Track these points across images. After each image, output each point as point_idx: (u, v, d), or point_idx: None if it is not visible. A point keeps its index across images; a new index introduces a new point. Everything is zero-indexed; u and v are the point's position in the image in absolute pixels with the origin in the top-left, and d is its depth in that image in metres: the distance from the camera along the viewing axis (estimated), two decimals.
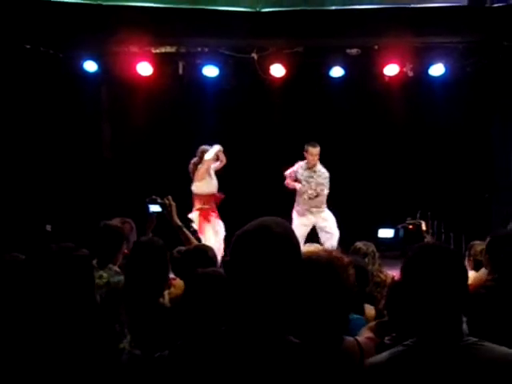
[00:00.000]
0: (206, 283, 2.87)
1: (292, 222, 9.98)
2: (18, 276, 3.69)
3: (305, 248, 4.82)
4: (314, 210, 10.27)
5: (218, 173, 9.89)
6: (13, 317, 2.79)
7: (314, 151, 10.10)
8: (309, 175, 10.25)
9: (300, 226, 10.03)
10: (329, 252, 2.79)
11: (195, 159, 9.67)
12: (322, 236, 10.21)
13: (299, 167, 10.33)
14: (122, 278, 4.44)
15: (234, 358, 1.89)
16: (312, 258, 2.66)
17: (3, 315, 2.96)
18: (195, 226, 9.09)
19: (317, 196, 10.19)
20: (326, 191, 10.23)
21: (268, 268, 1.91)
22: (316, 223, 10.31)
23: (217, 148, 9.62)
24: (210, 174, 9.67)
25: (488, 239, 4.61)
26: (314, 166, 10.22)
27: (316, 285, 2.59)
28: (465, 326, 2.42)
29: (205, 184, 9.60)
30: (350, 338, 2.72)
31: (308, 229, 10.30)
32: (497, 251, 4.37)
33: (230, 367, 1.88)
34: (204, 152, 9.59)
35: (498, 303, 2.98)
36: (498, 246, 4.41)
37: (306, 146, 10.19)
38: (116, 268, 4.82)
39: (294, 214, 10.35)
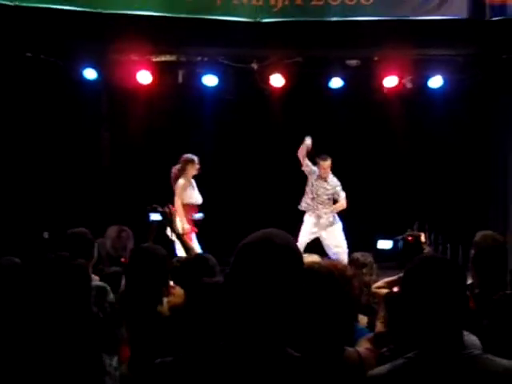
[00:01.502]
0: (210, 293, 2.86)
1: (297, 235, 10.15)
2: (15, 279, 3.70)
3: (304, 258, 4.83)
4: (324, 216, 10.49)
5: (218, 183, 9.89)
6: (8, 319, 2.79)
7: (325, 164, 10.37)
8: (320, 185, 10.50)
9: (309, 224, 10.38)
10: (331, 263, 2.78)
11: (178, 166, 9.63)
12: (329, 251, 10.31)
13: (314, 173, 10.54)
14: (98, 283, 4.52)
15: (233, 371, 1.87)
16: (313, 268, 2.65)
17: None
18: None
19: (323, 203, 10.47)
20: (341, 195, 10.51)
21: (270, 280, 1.89)
22: (323, 237, 10.49)
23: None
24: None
25: (473, 252, 4.57)
26: (326, 178, 10.48)
27: (317, 295, 2.58)
28: (475, 338, 2.39)
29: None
30: (351, 349, 2.72)
31: (314, 231, 10.48)
32: (482, 263, 4.34)
33: (229, 381, 1.87)
34: (187, 160, 9.54)
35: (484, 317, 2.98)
36: (483, 258, 4.37)
37: (316, 160, 10.44)
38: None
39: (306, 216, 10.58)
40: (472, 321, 2.84)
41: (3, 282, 4.05)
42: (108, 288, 4.68)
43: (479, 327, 3.10)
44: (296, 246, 2.02)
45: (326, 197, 10.49)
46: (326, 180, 10.47)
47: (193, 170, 9.55)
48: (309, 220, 10.53)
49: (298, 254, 1.99)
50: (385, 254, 10.53)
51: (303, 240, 10.16)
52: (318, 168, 10.43)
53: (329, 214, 10.49)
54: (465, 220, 11.49)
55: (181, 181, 9.49)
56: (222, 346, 1.95)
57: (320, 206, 10.47)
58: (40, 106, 10.87)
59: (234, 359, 1.89)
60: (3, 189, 10.19)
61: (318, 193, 10.47)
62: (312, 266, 2.69)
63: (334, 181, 10.53)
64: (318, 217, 10.49)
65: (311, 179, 10.55)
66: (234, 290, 1.95)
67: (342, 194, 10.51)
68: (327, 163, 10.35)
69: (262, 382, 1.86)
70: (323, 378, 1.93)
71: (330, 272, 2.66)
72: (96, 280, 4.78)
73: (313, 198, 10.52)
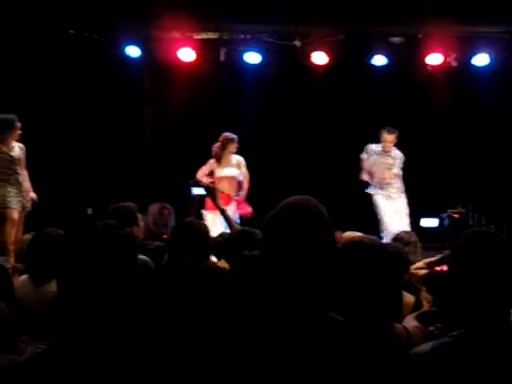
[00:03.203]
0: (250, 265, 2.86)
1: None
2: (59, 248, 3.72)
3: (348, 234, 4.81)
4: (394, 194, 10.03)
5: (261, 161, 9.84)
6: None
7: (389, 138, 9.79)
8: (383, 160, 9.96)
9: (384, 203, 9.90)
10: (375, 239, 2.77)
11: (218, 144, 9.64)
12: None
13: (371, 152, 10.00)
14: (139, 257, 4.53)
15: (280, 335, 1.90)
16: (364, 242, 2.64)
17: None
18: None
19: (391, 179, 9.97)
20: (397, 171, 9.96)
21: (304, 245, 1.92)
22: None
23: None
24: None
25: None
26: (389, 151, 9.90)
27: (366, 269, 2.57)
28: None
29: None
30: (400, 326, 2.70)
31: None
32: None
33: (277, 345, 1.90)
34: (228, 139, 9.55)
35: None
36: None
37: (381, 131, 9.89)
38: None
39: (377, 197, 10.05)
40: None
41: (48, 251, 4.12)
42: (150, 262, 4.71)
43: None
44: (325, 210, 2.03)
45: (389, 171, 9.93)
46: (389, 155, 9.91)
47: (232, 148, 9.58)
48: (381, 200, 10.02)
49: (329, 221, 2.00)
50: (428, 233, 10.46)
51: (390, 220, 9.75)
52: (382, 141, 9.86)
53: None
54: (508, 201, 11.33)
55: (236, 156, 9.59)
56: (269, 312, 1.98)
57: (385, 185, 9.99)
58: (83, 83, 10.94)
59: (279, 324, 1.92)
60: (48, 166, 10.30)
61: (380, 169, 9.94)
62: (363, 240, 2.67)
63: (396, 153, 9.96)
64: (388, 196, 10.02)
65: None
66: (269, 257, 1.98)
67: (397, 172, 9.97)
68: (391, 136, 9.75)
69: (305, 343, 1.88)
70: (370, 343, 1.94)
71: (380, 246, 2.65)
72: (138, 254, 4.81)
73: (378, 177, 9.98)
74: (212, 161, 9.60)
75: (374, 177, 10.01)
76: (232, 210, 9.41)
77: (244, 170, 9.75)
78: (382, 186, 9.98)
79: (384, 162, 9.93)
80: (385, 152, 9.89)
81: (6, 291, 3.79)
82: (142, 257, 4.71)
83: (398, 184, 10.00)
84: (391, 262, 2.66)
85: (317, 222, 1.97)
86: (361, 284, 2.56)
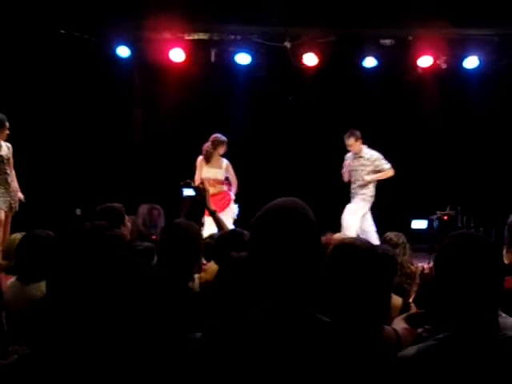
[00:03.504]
0: (238, 267, 2.85)
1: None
2: (48, 250, 3.70)
3: (338, 236, 4.81)
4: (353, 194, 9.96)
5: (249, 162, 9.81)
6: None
7: (346, 142, 9.77)
8: (356, 163, 9.90)
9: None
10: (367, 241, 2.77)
11: (207, 145, 9.60)
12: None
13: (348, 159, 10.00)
14: None
15: (267, 337, 1.90)
16: (354, 244, 2.63)
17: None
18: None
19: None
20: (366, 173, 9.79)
21: (290, 247, 1.92)
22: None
23: None
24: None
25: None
26: (358, 152, 9.83)
27: (356, 270, 2.56)
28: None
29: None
30: (389, 328, 2.69)
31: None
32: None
33: (263, 346, 1.89)
34: (218, 140, 9.52)
35: None
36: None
37: None
38: None
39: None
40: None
41: (37, 252, 4.09)
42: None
43: None
44: (311, 212, 2.03)
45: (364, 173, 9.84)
46: (360, 156, 9.83)
47: (222, 150, 9.55)
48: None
49: (315, 222, 2.01)
50: (418, 235, 10.48)
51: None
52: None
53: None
54: (498, 203, 11.36)
55: (225, 160, 9.54)
56: (256, 312, 1.98)
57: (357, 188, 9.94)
58: (73, 82, 10.92)
59: (264, 325, 1.92)
60: (36, 166, 10.27)
61: (356, 173, 9.89)
62: (353, 242, 2.66)
63: (367, 154, 9.86)
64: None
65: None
66: (256, 259, 1.99)
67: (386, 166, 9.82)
68: (346, 140, 9.72)
69: (292, 344, 1.88)
70: (352, 343, 1.94)
71: (371, 248, 2.64)
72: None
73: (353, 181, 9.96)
74: (200, 159, 9.56)
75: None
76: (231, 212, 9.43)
77: (232, 173, 9.73)
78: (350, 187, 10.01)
79: (355, 165, 9.90)
80: (355, 154, 9.88)
81: None
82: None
83: (355, 185, 9.92)
84: (381, 263, 2.66)
85: (303, 223, 1.97)
86: (350, 285, 2.55)
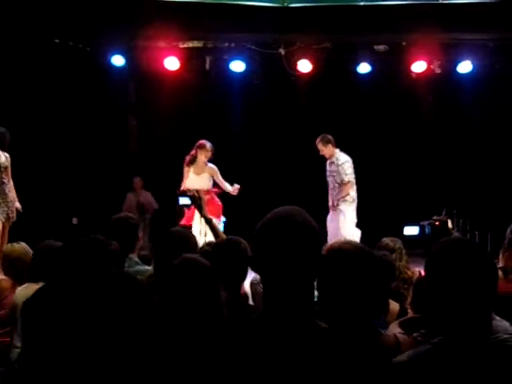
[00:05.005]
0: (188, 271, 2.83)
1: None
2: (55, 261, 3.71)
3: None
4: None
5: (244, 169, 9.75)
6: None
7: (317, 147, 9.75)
8: (331, 168, 9.83)
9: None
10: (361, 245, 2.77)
11: (193, 152, 9.50)
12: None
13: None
14: (142, 268, 4.46)
15: (266, 343, 1.91)
16: (345, 248, 2.64)
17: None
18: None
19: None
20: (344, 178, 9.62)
21: (292, 255, 1.93)
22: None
23: None
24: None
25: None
26: (330, 157, 9.77)
27: (348, 274, 2.57)
28: (508, 324, 2.32)
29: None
30: (389, 334, 2.70)
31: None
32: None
33: (262, 352, 1.90)
34: (199, 146, 9.44)
35: None
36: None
37: None
38: (136, 258, 4.76)
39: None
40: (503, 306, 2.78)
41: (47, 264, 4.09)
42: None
43: None
44: (313, 220, 2.04)
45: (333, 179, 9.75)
46: (332, 161, 9.73)
47: (203, 156, 9.36)
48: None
49: (315, 228, 2.02)
50: (412, 240, 10.51)
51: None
52: None
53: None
54: (493, 207, 11.40)
55: (213, 166, 9.45)
56: (254, 319, 2.00)
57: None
58: (68, 92, 10.93)
59: (263, 331, 1.94)
60: (33, 175, 10.26)
61: (333, 179, 9.78)
62: (343, 246, 2.67)
63: (342, 158, 9.70)
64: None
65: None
66: (258, 268, 2.02)
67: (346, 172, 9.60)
68: (317, 146, 9.70)
69: (291, 350, 1.89)
70: (350, 349, 1.95)
71: (368, 253, 2.65)
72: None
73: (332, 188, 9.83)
74: (186, 169, 9.47)
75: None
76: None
77: (220, 177, 9.51)
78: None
79: (330, 170, 9.84)
80: (329, 159, 9.83)
81: None
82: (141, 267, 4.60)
83: (335, 192, 9.79)
84: (378, 269, 2.67)
85: (307, 232, 1.98)
86: (347, 291, 2.56)
